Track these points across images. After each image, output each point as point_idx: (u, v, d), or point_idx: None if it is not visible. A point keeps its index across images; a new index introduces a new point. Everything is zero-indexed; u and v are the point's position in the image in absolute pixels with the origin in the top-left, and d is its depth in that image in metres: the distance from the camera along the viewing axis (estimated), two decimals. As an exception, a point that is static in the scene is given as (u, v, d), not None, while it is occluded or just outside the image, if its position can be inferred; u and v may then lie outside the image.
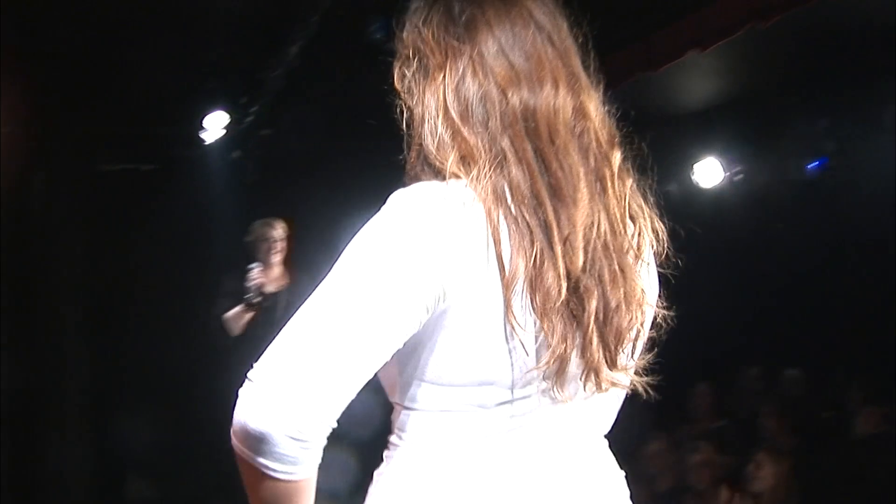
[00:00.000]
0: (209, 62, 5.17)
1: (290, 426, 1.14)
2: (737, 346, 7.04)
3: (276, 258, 5.22)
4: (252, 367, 1.18)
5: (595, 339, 1.28)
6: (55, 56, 5.04)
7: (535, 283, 1.24)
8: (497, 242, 1.24)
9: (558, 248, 1.26)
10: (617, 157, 1.37)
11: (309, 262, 5.51)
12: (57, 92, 5.38)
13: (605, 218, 1.32)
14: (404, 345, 1.23)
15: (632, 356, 1.37)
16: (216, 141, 5.88)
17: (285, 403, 1.14)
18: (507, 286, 1.23)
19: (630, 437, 6.22)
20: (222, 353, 5.14)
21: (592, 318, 1.28)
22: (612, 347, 1.31)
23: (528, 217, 1.26)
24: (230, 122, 5.71)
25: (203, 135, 5.83)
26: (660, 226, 1.42)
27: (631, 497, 1.45)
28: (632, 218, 1.38)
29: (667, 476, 5.16)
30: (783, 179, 6.58)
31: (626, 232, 1.35)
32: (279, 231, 5.24)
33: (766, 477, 4.31)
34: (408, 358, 1.28)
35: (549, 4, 1.38)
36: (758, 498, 4.33)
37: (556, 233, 1.26)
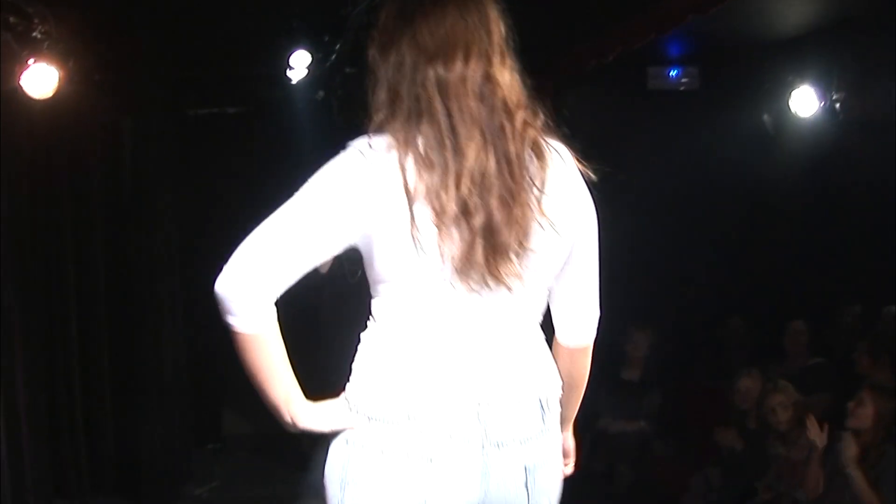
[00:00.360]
0: (290, 1, 5.15)
1: (242, 290, 1.79)
2: (836, 284, 6.85)
3: None
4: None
5: (480, 248, 1.75)
6: (142, 4, 5.09)
7: (432, 203, 1.74)
8: (403, 174, 1.75)
9: (451, 178, 1.74)
10: (521, 114, 1.83)
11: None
12: (144, 39, 5.44)
13: (499, 158, 1.78)
14: (366, 256, 1.84)
15: (520, 263, 1.80)
16: (300, 81, 5.88)
17: (239, 276, 1.79)
18: (409, 204, 1.74)
19: (721, 373, 6.17)
20: (312, 292, 5.19)
21: (478, 231, 1.75)
22: (497, 255, 1.76)
23: (431, 157, 1.75)
24: (313, 62, 5.70)
25: (288, 75, 5.84)
26: (572, 162, 1.93)
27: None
28: (538, 157, 1.83)
29: (755, 414, 5.08)
30: (884, 108, 6.29)
31: (521, 168, 1.80)
32: None
33: (866, 415, 4.18)
34: (368, 266, 1.86)
35: (477, 3, 1.86)
36: (856, 435, 4.21)
37: (450, 167, 1.74)
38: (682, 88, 6.72)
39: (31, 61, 4.68)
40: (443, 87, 1.79)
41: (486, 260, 1.76)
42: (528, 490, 1.89)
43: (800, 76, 6.43)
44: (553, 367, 1.98)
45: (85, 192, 5.66)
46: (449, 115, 1.78)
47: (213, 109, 6.65)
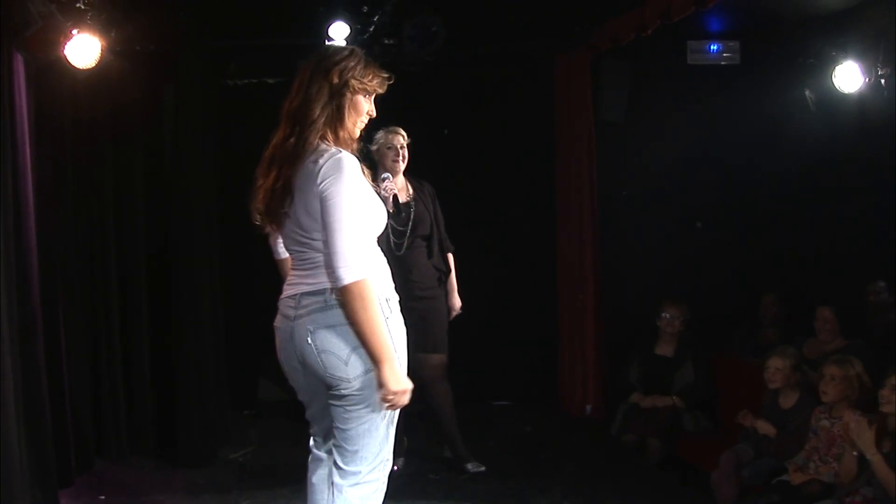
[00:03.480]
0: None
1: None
2: (869, 265, 6.78)
3: (401, 166, 5.22)
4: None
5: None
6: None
7: None
8: None
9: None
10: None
11: (421, 173, 5.55)
12: (184, 9, 5.49)
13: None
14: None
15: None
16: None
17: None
18: None
19: (755, 350, 6.15)
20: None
21: None
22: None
23: None
24: (352, 33, 5.72)
25: (327, 45, 5.86)
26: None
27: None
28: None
29: (792, 390, 5.06)
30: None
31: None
32: (403, 138, 5.22)
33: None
34: None
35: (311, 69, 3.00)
36: (889, 419, 4.19)
37: None
38: (722, 63, 6.65)
39: (74, 32, 4.74)
40: None
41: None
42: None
43: (843, 51, 6.34)
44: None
45: (127, 161, 5.73)
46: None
47: (253, 79, 6.69)
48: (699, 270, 7.05)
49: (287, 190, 2.93)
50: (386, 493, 3.08)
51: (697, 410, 6.00)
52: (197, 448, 5.69)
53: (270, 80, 6.66)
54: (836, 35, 6.27)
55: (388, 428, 3.01)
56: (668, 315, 6.21)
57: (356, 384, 2.89)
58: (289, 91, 3.02)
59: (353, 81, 2.95)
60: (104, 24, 4.83)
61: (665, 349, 6.24)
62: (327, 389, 2.98)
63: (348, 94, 2.96)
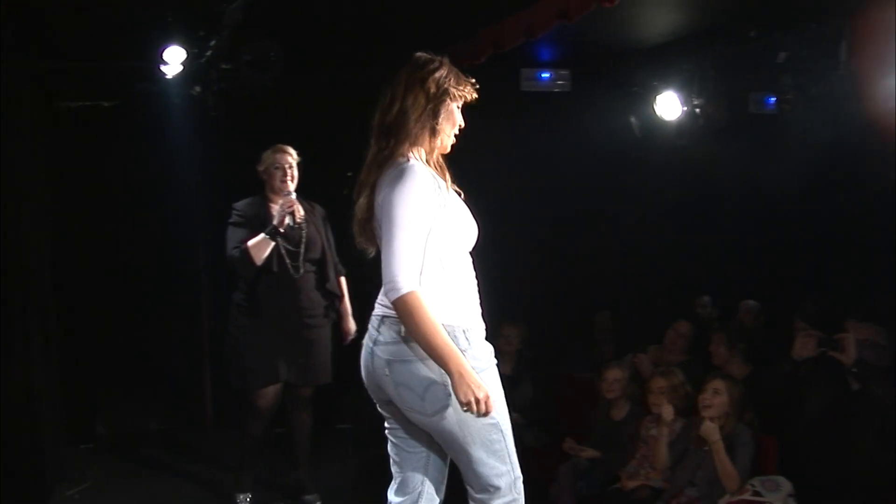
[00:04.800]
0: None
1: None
2: (695, 279, 7.20)
3: (290, 186, 4.98)
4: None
5: None
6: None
7: None
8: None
9: None
10: None
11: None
12: (14, 28, 5.30)
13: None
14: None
15: None
16: (176, 76, 5.83)
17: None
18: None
19: (590, 365, 6.41)
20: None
21: None
22: None
23: None
24: (189, 57, 5.66)
25: (163, 69, 5.78)
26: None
27: None
28: None
29: (624, 402, 5.31)
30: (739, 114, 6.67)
31: None
32: (292, 157, 5.03)
33: (723, 403, 4.47)
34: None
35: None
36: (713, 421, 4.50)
37: None
38: (555, 90, 6.91)
39: None
40: None
41: None
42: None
43: (664, 81, 6.74)
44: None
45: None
46: None
47: (87, 102, 6.51)
48: (536, 290, 7.28)
49: (370, 205, 2.89)
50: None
51: (537, 426, 6.18)
52: (26, 485, 5.45)
53: (105, 104, 6.51)
54: (657, 66, 6.66)
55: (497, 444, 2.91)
56: (506, 335, 6.39)
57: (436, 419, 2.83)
58: (378, 106, 2.94)
59: (451, 90, 2.92)
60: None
61: (504, 367, 6.36)
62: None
63: (447, 102, 2.92)
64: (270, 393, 5.06)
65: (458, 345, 2.76)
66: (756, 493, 4.24)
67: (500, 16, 5.36)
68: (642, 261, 7.48)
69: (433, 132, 2.90)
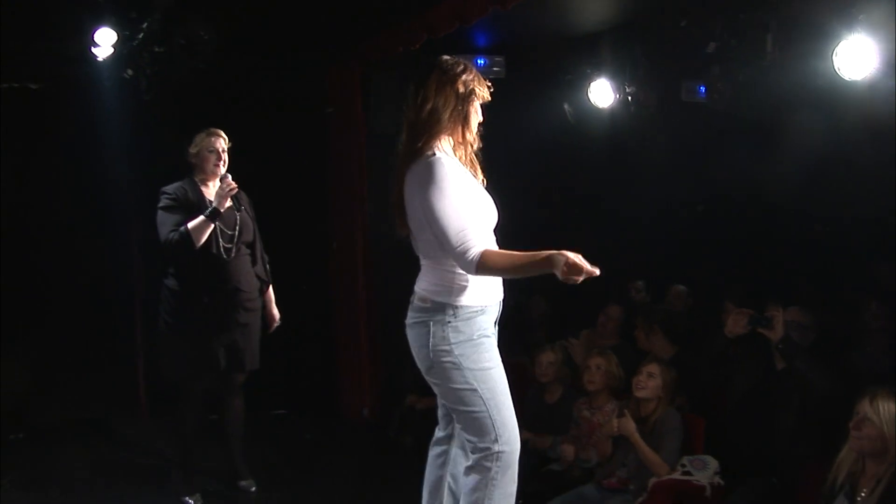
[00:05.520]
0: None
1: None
2: (630, 264, 7.32)
3: (222, 170, 4.95)
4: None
5: None
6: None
7: None
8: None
9: None
10: None
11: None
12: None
13: None
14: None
15: None
16: (107, 58, 5.74)
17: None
18: None
19: (524, 349, 6.49)
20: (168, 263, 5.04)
21: None
22: None
23: None
24: (121, 40, 5.58)
25: (94, 51, 5.68)
26: None
27: None
28: None
29: (557, 385, 5.40)
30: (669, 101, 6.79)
31: None
32: (225, 141, 5.01)
33: (656, 386, 4.57)
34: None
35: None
36: (643, 403, 4.59)
37: None
38: (490, 77, 6.93)
39: None
40: None
41: None
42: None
43: (597, 69, 6.83)
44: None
45: None
46: None
47: (14, 84, 6.37)
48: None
49: (401, 191, 3.27)
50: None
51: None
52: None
53: (33, 86, 6.38)
54: (591, 54, 6.75)
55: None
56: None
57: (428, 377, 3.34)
58: (409, 103, 3.28)
59: (477, 89, 3.31)
60: None
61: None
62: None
63: (474, 100, 3.31)
64: (207, 381, 5.03)
65: (445, 316, 3.22)
66: (686, 473, 4.34)
67: (435, 1, 5.38)
68: (575, 245, 7.57)
69: (466, 126, 3.31)
